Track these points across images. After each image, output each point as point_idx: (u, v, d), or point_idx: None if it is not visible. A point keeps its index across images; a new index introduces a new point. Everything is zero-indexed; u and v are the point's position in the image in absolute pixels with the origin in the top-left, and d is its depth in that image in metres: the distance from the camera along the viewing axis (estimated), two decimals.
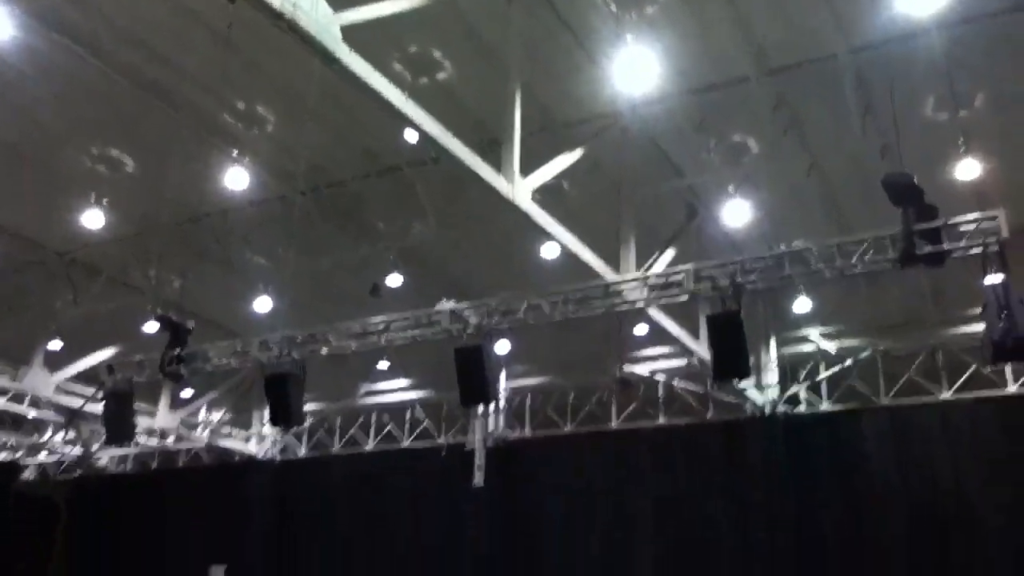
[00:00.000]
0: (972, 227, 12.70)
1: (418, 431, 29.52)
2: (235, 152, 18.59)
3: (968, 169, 16.11)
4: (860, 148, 16.84)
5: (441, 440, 28.85)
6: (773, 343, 24.30)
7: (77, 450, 34.23)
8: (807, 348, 24.30)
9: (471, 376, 15.92)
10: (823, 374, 23.77)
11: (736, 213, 18.85)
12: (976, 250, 12.63)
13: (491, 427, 27.91)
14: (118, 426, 19.24)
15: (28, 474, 37.23)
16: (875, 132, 16.13)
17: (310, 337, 18.47)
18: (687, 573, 24.18)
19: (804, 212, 20.40)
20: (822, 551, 22.66)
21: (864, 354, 23.32)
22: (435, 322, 17.26)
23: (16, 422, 32.93)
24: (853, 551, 22.35)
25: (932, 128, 16.50)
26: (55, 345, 25.92)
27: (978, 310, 21.74)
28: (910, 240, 12.24)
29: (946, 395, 22.25)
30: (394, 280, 21.88)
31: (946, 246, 12.40)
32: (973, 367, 21.78)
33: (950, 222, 12.48)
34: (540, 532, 26.78)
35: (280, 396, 17.29)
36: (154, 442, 32.80)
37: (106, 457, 35.94)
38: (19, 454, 34.92)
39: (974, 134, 16.10)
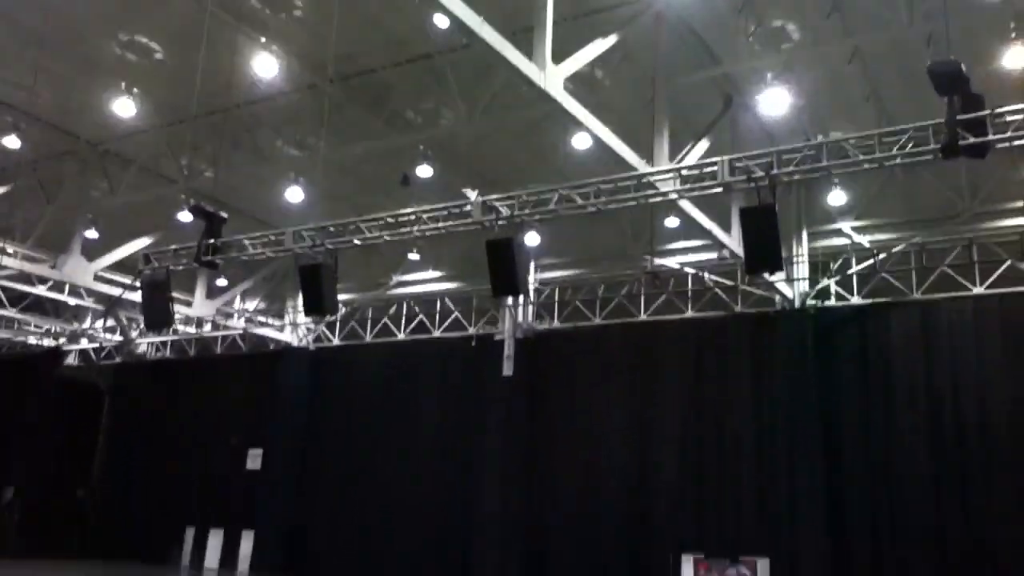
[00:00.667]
0: (1018, 118, 12.33)
1: (448, 321, 29.94)
2: (263, 39, 18.34)
3: (1017, 57, 15.56)
4: (904, 34, 16.25)
5: (471, 330, 29.27)
6: (805, 236, 24.10)
7: (117, 337, 35.23)
8: (840, 242, 24.08)
9: (502, 268, 15.96)
10: (855, 268, 23.60)
11: (774, 102, 18.44)
12: (1021, 142, 12.30)
13: (520, 318, 28.29)
14: (156, 313, 19.60)
15: (71, 360, 38.45)
16: (921, 17, 15.53)
17: (342, 227, 18.54)
18: (711, 462, 24.75)
19: (844, 102, 19.92)
20: (845, 443, 23.03)
21: (897, 248, 23.08)
22: (466, 213, 17.22)
23: (57, 310, 33.87)
24: (876, 444, 22.69)
25: (981, 13, 15.84)
26: (92, 235, 26.34)
27: (1017, 204, 21.65)
28: (954, 130, 11.91)
29: (979, 290, 22.08)
30: (424, 171, 21.82)
31: (990, 137, 12.07)
32: (1007, 262, 21.53)
33: (996, 112, 12.10)
34: (566, 420, 27.37)
35: (314, 286, 17.48)
36: (192, 330, 33.69)
37: (145, 344, 36.95)
38: (61, 341, 36.04)
39: None
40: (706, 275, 24.91)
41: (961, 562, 20.80)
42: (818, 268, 24.25)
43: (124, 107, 20.61)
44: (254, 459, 32.80)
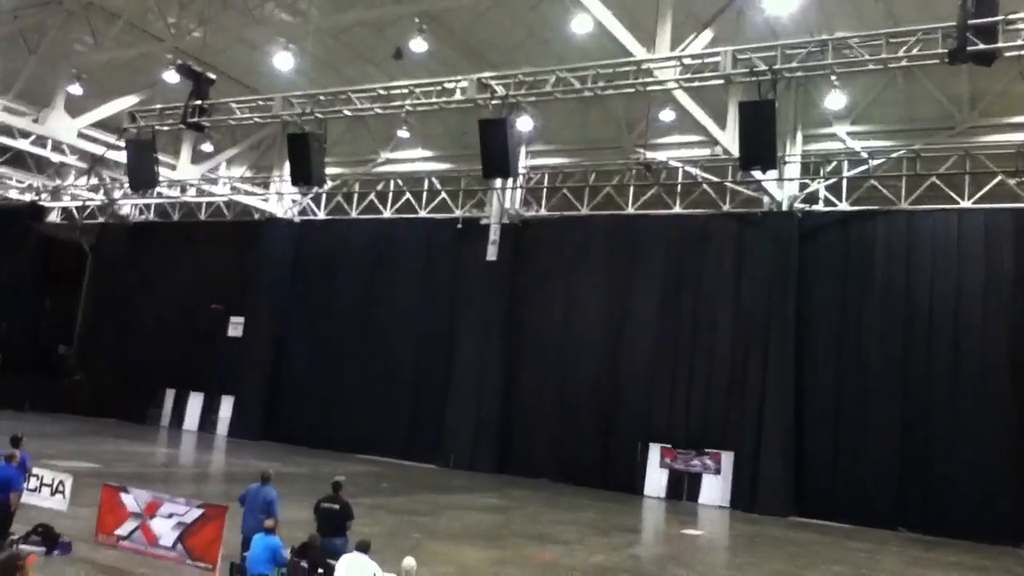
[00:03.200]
0: None
1: (435, 203, 29.76)
2: None
3: None
4: None
5: (457, 213, 29.14)
6: (799, 138, 23.89)
7: (100, 197, 34.90)
8: (833, 146, 23.90)
9: (493, 148, 15.79)
10: (846, 173, 23.54)
11: None
12: None
13: (507, 204, 28.17)
14: (141, 173, 19.39)
15: (54, 218, 38.12)
16: None
17: (332, 97, 18.20)
18: (685, 356, 25.19)
19: (852, 2, 19.45)
20: (819, 345, 23.46)
21: (891, 156, 22.98)
22: (460, 90, 16.90)
23: (39, 165, 33.36)
24: (848, 347, 23.11)
25: None
26: (76, 90, 25.72)
27: (1015, 119, 21.48)
28: (964, 34, 11.69)
29: (966, 204, 22.14)
30: (418, 45, 21.25)
31: (1000, 44, 11.85)
32: (998, 178, 21.54)
33: (1009, 18, 11.85)
34: (546, 308, 27.62)
35: (301, 155, 17.26)
36: (176, 194, 33.38)
37: (128, 206, 36.61)
38: (43, 196, 35.65)
39: None
40: (697, 170, 24.78)
41: (920, 462, 21.55)
42: (809, 171, 24.20)
43: None
44: (236, 327, 33.09)
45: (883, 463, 21.92)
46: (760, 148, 13.50)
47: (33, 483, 11.91)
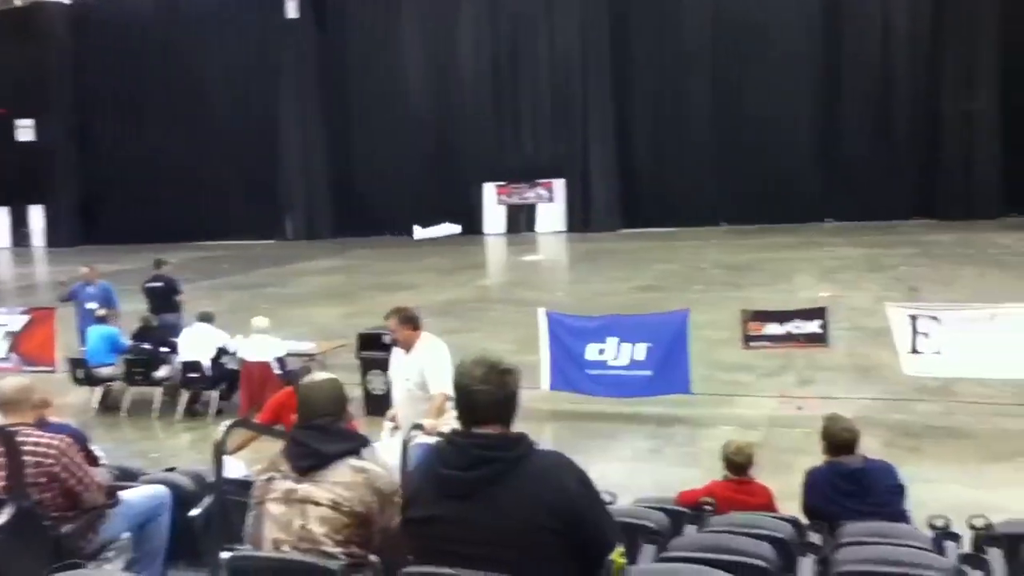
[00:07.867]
0: None
1: None
2: None
3: None
4: None
5: None
6: None
7: None
8: None
9: None
10: None
11: None
12: None
13: None
14: None
15: None
16: None
17: None
18: (509, 90, 24.93)
19: None
20: (636, 61, 23.64)
21: None
22: None
23: None
24: (667, 62, 23.43)
25: None
26: None
27: None
28: None
29: None
30: None
31: None
32: None
33: None
34: (362, 58, 26.30)
35: None
36: None
37: None
38: None
39: None
40: None
41: (735, 159, 22.63)
42: None
43: None
44: (25, 130, 30.16)
45: (701, 166, 23.12)
46: None
47: None
